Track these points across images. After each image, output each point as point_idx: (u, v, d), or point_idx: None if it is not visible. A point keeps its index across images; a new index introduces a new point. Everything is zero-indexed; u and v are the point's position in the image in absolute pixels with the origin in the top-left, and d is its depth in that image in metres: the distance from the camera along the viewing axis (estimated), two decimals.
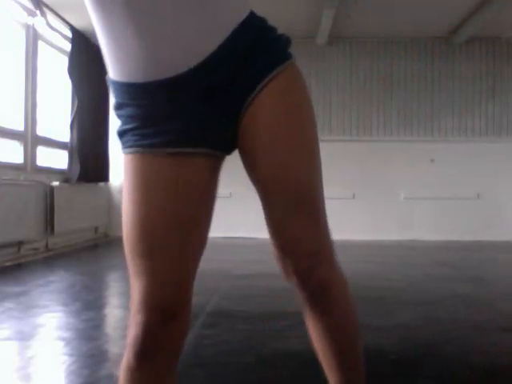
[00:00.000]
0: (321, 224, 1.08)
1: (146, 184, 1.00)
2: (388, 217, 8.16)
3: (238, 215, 7.98)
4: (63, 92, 6.89)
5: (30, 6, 5.84)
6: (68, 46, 6.67)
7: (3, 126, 5.46)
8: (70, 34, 6.67)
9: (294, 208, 1.03)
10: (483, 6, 6.74)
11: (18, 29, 5.82)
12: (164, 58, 0.92)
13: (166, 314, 1.02)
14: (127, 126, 1.00)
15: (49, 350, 2.55)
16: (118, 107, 1.01)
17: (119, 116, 1.02)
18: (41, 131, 6.21)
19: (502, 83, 8.29)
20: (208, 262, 5.80)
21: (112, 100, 1.03)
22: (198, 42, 0.92)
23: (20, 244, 5.39)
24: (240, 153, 1.07)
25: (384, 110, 8.28)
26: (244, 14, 1.00)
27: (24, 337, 2.73)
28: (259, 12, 1.04)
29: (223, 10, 0.95)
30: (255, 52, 0.98)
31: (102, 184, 7.77)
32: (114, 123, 7.95)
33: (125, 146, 1.02)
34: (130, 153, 1.01)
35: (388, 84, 8.27)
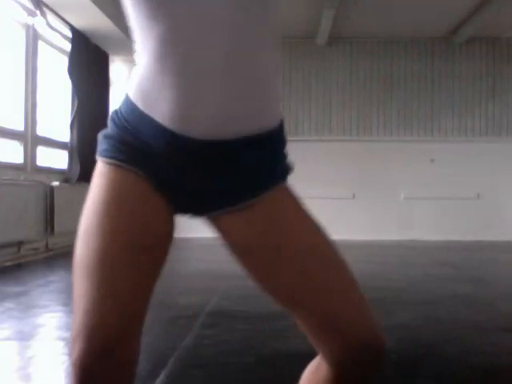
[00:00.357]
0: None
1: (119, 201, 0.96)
2: (388, 217, 8.16)
3: None
4: (63, 92, 6.89)
5: (30, 5, 5.84)
6: (68, 46, 6.67)
7: (3, 126, 5.46)
8: (70, 34, 6.67)
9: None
10: (483, 6, 6.74)
11: (17, 29, 5.82)
12: (201, 121, 0.91)
13: (106, 344, 0.93)
14: (117, 139, 0.97)
15: (49, 349, 2.55)
16: (123, 127, 0.98)
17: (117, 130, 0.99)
18: (41, 131, 6.21)
19: (502, 83, 8.29)
20: (208, 263, 5.83)
21: (116, 108, 1.01)
22: (233, 122, 0.92)
23: (20, 244, 5.39)
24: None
25: (384, 110, 8.28)
26: (277, 122, 1.00)
27: (24, 337, 2.72)
28: None
29: (265, 107, 0.96)
30: (262, 166, 0.98)
31: None
32: None
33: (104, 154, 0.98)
34: (108, 163, 0.97)
35: (388, 84, 8.27)
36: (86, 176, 6.81)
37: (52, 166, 6.54)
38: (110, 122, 1.00)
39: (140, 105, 0.94)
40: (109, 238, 0.94)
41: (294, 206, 1.02)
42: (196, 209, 1.02)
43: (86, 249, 0.98)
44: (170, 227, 1.00)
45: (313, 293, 0.97)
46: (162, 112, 0.91)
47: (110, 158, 0.96)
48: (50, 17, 6.28)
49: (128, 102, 0.97)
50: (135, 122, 0.95)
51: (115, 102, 8.00)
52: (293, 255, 0.97)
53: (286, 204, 1.01)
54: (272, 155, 1.00)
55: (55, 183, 6.22)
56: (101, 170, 0.97)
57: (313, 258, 0.98)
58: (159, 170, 0.95)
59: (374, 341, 0.99)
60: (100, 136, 1.01)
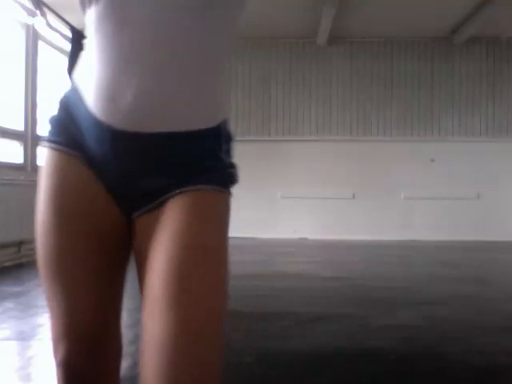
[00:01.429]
0: None
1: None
2: (388, 217, 8.16)
3: (237, 215, 7.96)
4: (63, 92, 6.89)
5: (30, 5, 5.84)
6: (68, 46, 6.67)
7: (3, 125, 5.46)
8: (70, 34, 6.67)
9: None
10: (483, 5, 6.74)
11: (17, 29, 5.82)
12: (121, 111, 0.91)
13: (83, 345, 0.97)
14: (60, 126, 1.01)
15: (49, 350, 2.54)
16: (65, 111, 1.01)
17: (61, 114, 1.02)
18: (41, 131, 6.21)
19: (502, 83, 8.29)
20: None
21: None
22: (177, 114, 0.93)
23: (20, 244, 5.39)
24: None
25: (384, 110, 8.28)
26: (211, 125, 0.97)
27: (24, 337, 2.72)
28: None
29: (195, 107, 0.94)
30: (195, 164, 0.96)
31: None
32: None
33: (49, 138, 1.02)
34: (52, 147, 1.01)
35: (388, 84, 8.27)
36: None
37: None
38: (57, 106, 1.03)
39: (80, 89, 0.97)
40: (64, 235, 0.96)
41: (198, 219, 0.93)
42: (127, 204, 0.98)
43: (44, 247, 0.98)
44: (111, 209, 0.98)
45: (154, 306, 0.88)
46: (90, 99, 0.94)
47: (54, 142, 1.01)
48: (50, 17, 6.27)
49: (72, 86, 1.01)
50: (75, 107, 0.98)
51: None
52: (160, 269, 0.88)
53: (185, 213, 0.93)
54: (198, 156, 0.96)
55: None
56: (46, 154, 1.02)
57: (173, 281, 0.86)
58: (95, 157, 0.96)
59: None
60: (48, 120, 1.03)
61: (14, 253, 5.32)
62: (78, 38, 6.69)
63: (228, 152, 1.03)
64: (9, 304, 3.45)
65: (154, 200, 0.95)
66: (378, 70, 8.30)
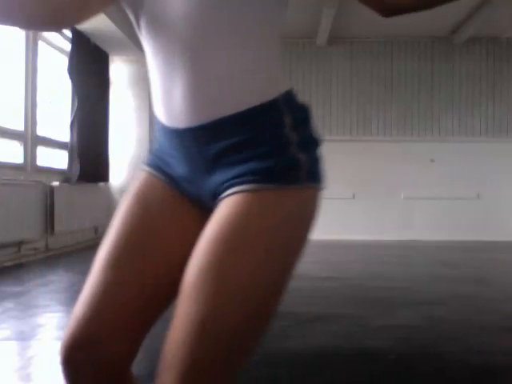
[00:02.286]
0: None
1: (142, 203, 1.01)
2: (388, 217, 8.16)
3: None
4: (63, 92, 6.90)
5: None
6: (68, 46, 6.67)
7: (3, 125, 5.46)
8: (69, 34, 6.67)
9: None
10: (483, 5, 6.74)
11: (17, 29, 5.81)
12: (176, 110, 0.94)
13: (92, 336, 0.96)
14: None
15: (49, 349, 2.55)
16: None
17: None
18: (41, 131, 6.21)
19: (502, 83, 8.29)
20: None
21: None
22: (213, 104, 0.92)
23: (20, 244, 5.39)
24: None
25: (384, 110, 8.28)
26: (260, 100, 0.91)
27: (24, 337, 2.73)
28: None
29: (234, 86, 0.91)
30: (247, 152, 0.90)
31: (102, 184, 7.77)
32: (114, 123, 7.96)
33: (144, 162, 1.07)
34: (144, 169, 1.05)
35: (388, 84, 8.28)
36: (85, 176, 6.81)
37: (52, 166, 6.54)
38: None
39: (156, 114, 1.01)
40: (121, 235, 0.98)
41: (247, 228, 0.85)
42: (202, 203, 0.98)
43: (105, 241, 1.00)
44: (180, 224, 0.99)
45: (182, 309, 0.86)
46: (159, 112, 0.98)
47: (144, 164, 1.05)
48: None
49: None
50: (158, 131, 1.02)
51: (115, 102, 8.00)
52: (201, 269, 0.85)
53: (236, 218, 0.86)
54: (254, 138, 0.90)
55: (55, 183, 6.22)
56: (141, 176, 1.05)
57: (216, 287, 0.83)
58: (171, 169, 0.99)
59: None
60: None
61: (14, 253, 5.32)
62: (78, 39, 6.69)
63: (297, 125, 0.93)
64: (9, 304, 3.45)
65: (213, 200, 0.93)
66: (378, 70, 8.30)
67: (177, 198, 1.00)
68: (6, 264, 5.04)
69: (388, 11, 1.02)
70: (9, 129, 5.58)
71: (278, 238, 0.87)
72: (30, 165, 5.90)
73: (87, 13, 1.01)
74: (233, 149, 0.91)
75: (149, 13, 0.94)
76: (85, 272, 3.90)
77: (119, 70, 8.07)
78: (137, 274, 0.96)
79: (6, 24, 0.94)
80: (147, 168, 1.03)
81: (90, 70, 6.95)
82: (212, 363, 0.84)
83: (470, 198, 8.20)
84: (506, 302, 3.67)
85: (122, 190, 8.15)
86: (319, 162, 0.97)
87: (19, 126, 5.80)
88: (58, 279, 4.56)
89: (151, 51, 0.96)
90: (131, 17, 1.00)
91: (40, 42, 6.21)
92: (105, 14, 6.18)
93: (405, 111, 8.27)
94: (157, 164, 1.02)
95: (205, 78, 0.91)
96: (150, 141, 8.25)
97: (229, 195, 0.89)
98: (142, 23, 0.96)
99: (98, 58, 7.36)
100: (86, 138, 6.89)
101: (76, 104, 6.73)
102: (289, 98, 0.95)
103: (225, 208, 0.88)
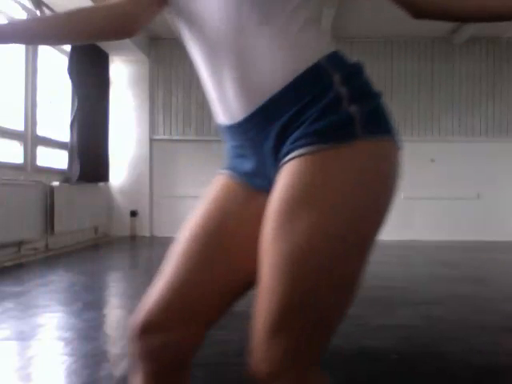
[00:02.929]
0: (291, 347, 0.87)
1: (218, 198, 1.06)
2: (388, 217, 8.15)
3: None
4: (63, 92, 6.90)
5: (30, 5, 5.84)
6: (68, 46, 6.67)
7: (3, 125, 5.46)
8: None
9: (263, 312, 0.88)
10: None
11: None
12: (232, 103, 0.98)
13: (154, 323, 1.00)
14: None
15: (49, 349, 2.55)
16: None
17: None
18: (41, 131, 6.21)
19: (502, 83, 8.29)
20: None
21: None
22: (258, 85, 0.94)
23: (20, 244, 5.39)
24: None
25: None
26: (315, 59, 0.92)
27: (24, 337, 2.73)
28: None
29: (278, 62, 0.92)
30: (303, 115, 0.90)
31: (101, 184, 7.77)
32: (114, 123, 7.96)
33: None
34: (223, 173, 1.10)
35: (388, 84, 8.27)
36: (85, 176, 6.81)
37: (52, 166, 6.54)
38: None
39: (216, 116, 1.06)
40: (192, 228, 1.03)
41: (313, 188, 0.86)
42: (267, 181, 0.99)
43: (182, 233, 1.05)
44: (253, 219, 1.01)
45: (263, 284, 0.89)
46: (219, 115, 1.02)
47: (222, 169, 1.11)
48: None
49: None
50: (224, 135, 1.07)
51: (115, 102, 8.00)
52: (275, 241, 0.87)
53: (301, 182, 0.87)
54: (307, 104, 0.90)
55: (55, 183, 6.22)
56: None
57: (290, 256, 0.85)
58: (239, 165, 1.04)
59: (255, 366, 0.90)
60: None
61: (14, 253, 5.32)
62: None
63: (346, 80, 0.91)
64: (9, 304, 3.45)
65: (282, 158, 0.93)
66: (378, 70, 8.29)
67: (250, 194, 1.03)
68: (6, 264, 5.04)
69: (418, 15, 1.03)
70: (9, 129, 5.58)
71: (340, 194, 0.87)
72: (29, 165, 5.91)
73: (144, 22, 1.06)
74: (290, 121, 0.91)
75: (187, 13, 0.99)
76: (85, 272, 3.94)
77: (119, 70, 8.07)
78: (211, 268, 1.01)
79: (76, 43, 1.05)
80: (223, 171, 1.09)
81: (89, 70, 6.95)
82: (297, 320, 0.86)
83: (470, 197, 8.20)
84: (506, 302, 3.67)
85: (122, 190, 8.16)
86: (378, 112, 0.94)
87: (19, 125, 5.80)
88: (58, 279, 4.56)
89: (197, 55, 1.00)
90: (174, 21, 1.05)
91: None
92: None
93: (405, 111, 8.27)
94: (230, 166, 1.07)
95: (248, 65, 0.93)
96: (150, 141, 8.26)
97: (285, 163, 0.90)
98: (184, 26, 1.01)
99: (97, 58, 7.36)
100: (86, 138, 6.89)
101: (76, 104, 6.73)
102: (334, 57, 0.94)
103: (282, 176, 0.90)
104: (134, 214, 8.16)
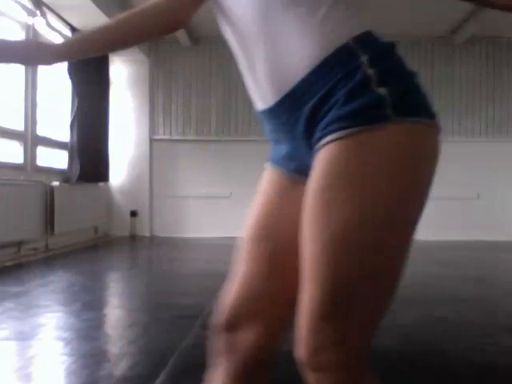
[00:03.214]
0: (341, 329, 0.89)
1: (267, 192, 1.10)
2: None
3: (238, 215, 7.97)
4: (63, 92, 6.89)
5: (30, 5, 5.84)
6: None
7: (3, 125, 5.46)
8: (70, 34, 6.67)
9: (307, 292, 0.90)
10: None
11: (17, 29, 5.82)
12: (265, 88, 1.00)
13: (233, 320, 1.06)
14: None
15: (49, 349, 2.55)
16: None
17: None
18: (41, 131, 6.21)
19: (502, 83, 8.29)
20: (208, 263, 5.80)
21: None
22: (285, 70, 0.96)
23: (20, 244, 5.39)
24: None
25: None
26: (344, 39, 0.92)
27: (24, 337, 2.72)
28: None
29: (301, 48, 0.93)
30: (331, 99, 0.90)
31: (101, 184, 7.77)
32: (114, 123, 7.96)
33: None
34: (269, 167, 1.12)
35: None
36: (85, 176, 6.81)
37: (52, 166, 6.54)
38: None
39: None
40: (251, 227, 1.09)
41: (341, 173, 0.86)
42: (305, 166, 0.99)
43: (245, 233, 1.10)
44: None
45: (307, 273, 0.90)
46: (255, 99, 1.04)
47: (268, 161, 1.12)
48: (50, 17, 6.28)
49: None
50: (262, 120, 1.08)
51: (115, 102, 8.00)
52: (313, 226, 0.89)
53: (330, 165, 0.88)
54: (336, 85, 0.89)
55: (55, 183, 6.22)
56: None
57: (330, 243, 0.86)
58: (277, 152, 1.06)
59: (302, 356, 0.92)
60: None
61: (14, 253, 5.32)
62: None
63: (375, 61, 0.90)
64: (9, 304, 3.45)
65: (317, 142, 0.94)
66: None
67: (291, 183, 1.05)
68: (6, 264, 5.04)
69: None
70: (9, 129, 5.58)
71: (375, 180, 0.86)
72: (29, 165, 5.90)
73: (190, 11, 1.09)
74: (319, 105, 0.91)
75: (219, 2, 1.03)
76: (84, 272, 3.94)
77: (119, 70, 8.07)
78: (282, 270, 1.04)
79: (128, 48, 1.13)
80: (269, 164, 1.11)
81: (89, 70, 6.95)
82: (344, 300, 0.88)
83: (470, 197, 8.19)
84: (506, 302, 3.67)
85: (122, 190, 8.15)
86: (411, 93, 0.91)
87: (19, 125, 5.80)
88: (58, 279, 4.56)
89: (233, 44, 1.04)
90: (215, 12, 1.07)
91: None
92: (104, 13, 6.18)
93: None
94: (274, 158, 1.09)
95: (277, 50, 0.95)
96: (150, 141, 8.25)
97: (320, 148, 0.91)
98: (219, 16, 1.05)
99: (97, 58, 7.35)
100: (86, 138, 6.89)
101: (76, 104, 6.73)
102: (363, 38, 0.93)
103: (317, 163, 0.90)
104: (133, 214, 8.16)
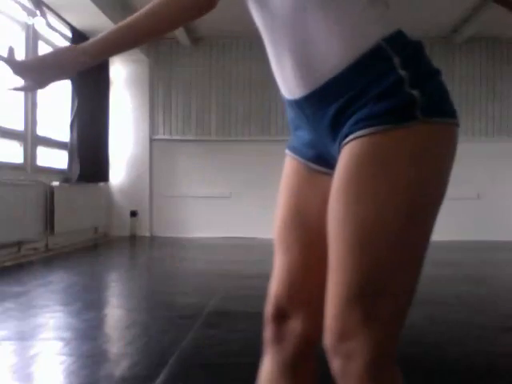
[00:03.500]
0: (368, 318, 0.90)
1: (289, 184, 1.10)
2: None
3: (237, 215, 7.98)
4: (63, 92, 6.89)
5: (30, 5, 5.84)
6: None
7: (3, 125, 5.46)
8: (69, 34, 6.67)
9: (334, 283, 0.92)
10: (483, 5, 6.74)
11: (17, 29, 5.82)
12: (292, 83, 1.01)
13: (278, 311, 1.06)
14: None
15: (49, 349, 2.54)
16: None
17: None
18: (41, 131, 6.21)
19: (502, 83, 8.29)
20: (208, 263, 5.80)
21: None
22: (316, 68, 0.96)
23: (20, 244, 5.39)
24: None
25: None
26: (374, 39, 0.92)
27: (24, 337, 2.72)
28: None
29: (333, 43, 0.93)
30: (362, 97, 0.91)
31: (102, 184, 7.77)
32: (114, 123, 7.96)
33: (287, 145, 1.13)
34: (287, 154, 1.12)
35: None
36: (85, 176, 6.81)
37: (52, 166, 6.54)
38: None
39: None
40: (280, 218, 1.11)
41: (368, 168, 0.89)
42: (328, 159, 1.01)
43: (276, 227, 1.14)
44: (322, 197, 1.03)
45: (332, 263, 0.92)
46: (281, 87, 1.05)
47: (287, 148, 1.13)
48: (50, 17, 6.28)
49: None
50: (286, 106, 1.08)
51: (115, 102, 8.00)
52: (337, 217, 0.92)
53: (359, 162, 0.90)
54: (366, 86, 0.91)
55: (55, 183, 6.22)
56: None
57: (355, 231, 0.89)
58: (298, 138, 1.07)
59: (331, 339, 0.93)
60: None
61: (14, 253, 5.32)
62: (77, 38, 6.69)
63: (407, 62, 0.92)
64: (9, 304, 3.45)
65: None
66: None
67: (309, 173, 1.06)
68: (6, 264, 5.04)
69: None
70: (9, 129, 5.58)
71: (398, 177, 0.89)
72: (29, 165, 5.90)
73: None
74: (348, 104, 0.92)
75: None
76: (84, 272, 3.94)
77: (119, 70, 8.07)
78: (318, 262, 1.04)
79: (160, 36, 1.18)
80: (288, 152, 1.11)
81: (89, 70, 6.88)
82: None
83: (470, 197, 8.19)
84: (506, 302, 3.67)
85: (122, 190, 8.15)
86: (438, 94, 0.95)
87: (19, 125, 5.80)
88: (58, 279, 4.56)
89: (263, 35, 1.03)
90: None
91: (40, 42, 6.21)
92: (104, 13, 6.18)
93: None
94: (292, 145, 1.09)
95: (307, 47, 0.95)
96: (150, 141, 8.26)
97: (346, 144, 0.92)
98: (251, 7, 1.04)
99: None
100: (86, 138, 6.89)
101: (76, 104, 6.73)
102: (394, 39, 0.93)
103: (342, 157, 0.92)
104: (134, 214, 8.16)
